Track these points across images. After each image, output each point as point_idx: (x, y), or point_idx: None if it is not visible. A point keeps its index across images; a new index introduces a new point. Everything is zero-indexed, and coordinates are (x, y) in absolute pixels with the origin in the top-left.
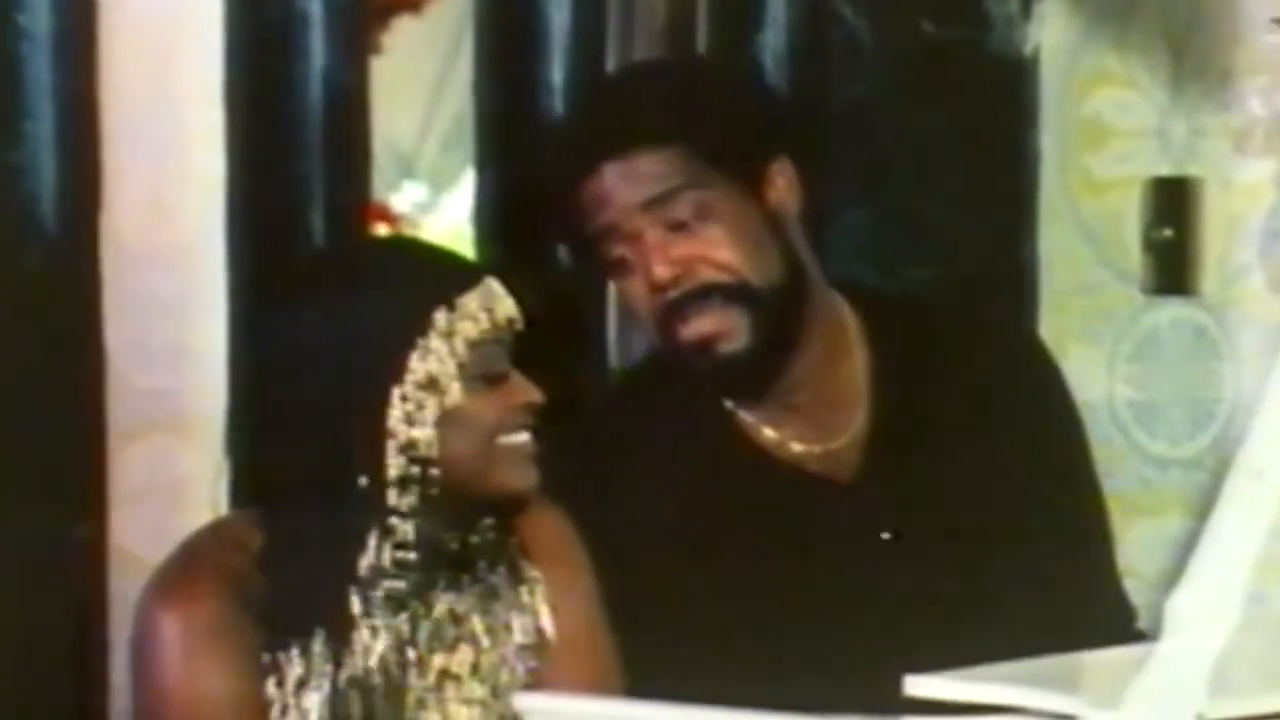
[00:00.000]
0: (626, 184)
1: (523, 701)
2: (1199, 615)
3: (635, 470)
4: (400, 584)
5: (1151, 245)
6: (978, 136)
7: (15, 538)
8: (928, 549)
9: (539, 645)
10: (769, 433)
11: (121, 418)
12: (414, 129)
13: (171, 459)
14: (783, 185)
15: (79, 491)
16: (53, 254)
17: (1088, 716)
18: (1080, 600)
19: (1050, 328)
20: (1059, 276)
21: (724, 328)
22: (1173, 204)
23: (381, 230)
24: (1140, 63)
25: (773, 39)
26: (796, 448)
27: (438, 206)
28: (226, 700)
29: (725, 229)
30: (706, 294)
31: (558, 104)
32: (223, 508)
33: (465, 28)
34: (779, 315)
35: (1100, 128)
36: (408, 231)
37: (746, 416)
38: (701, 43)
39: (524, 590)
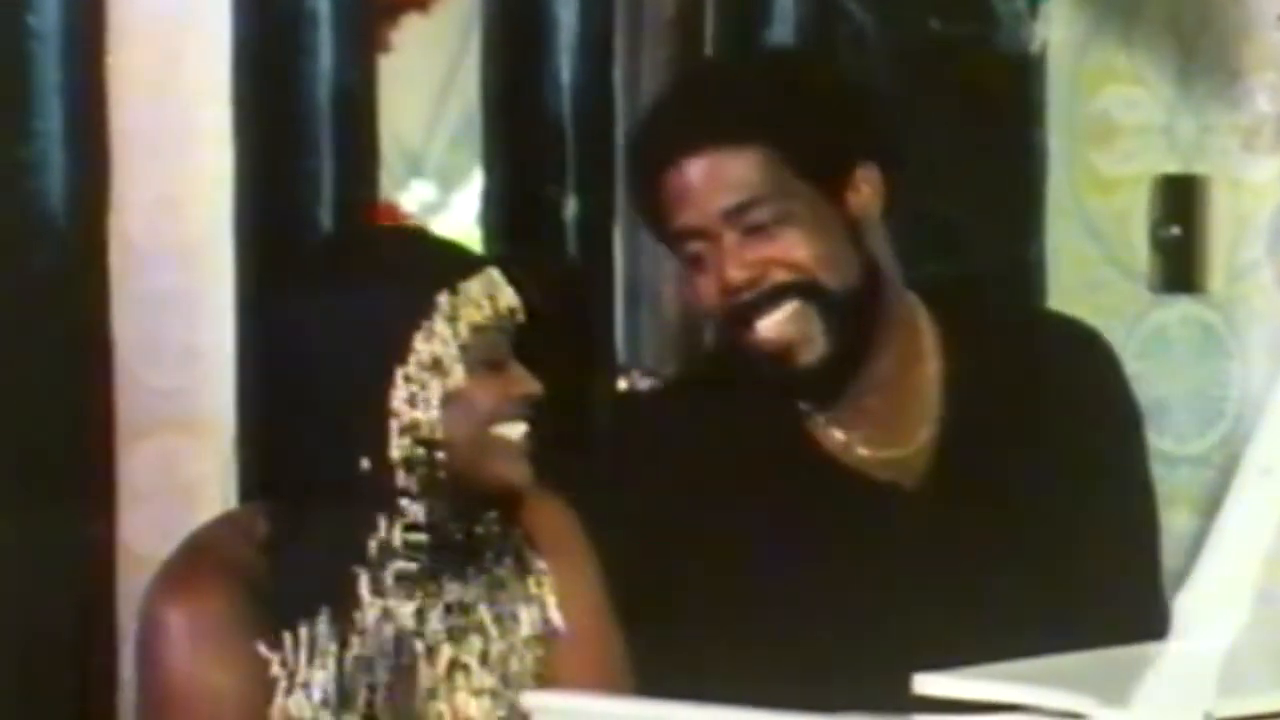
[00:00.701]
0: (710, 187)
1: (532, 700)
2: (1208, 613)
3: (697, 466)
4: (410, 565)
5: (1159, 243)
6: (985, 134)
7: (25, 536)
8: (989, 558)
9: (547, 635)
10: (837, 434)
11: (130, 416)
12: (422, 127)
13: (180, 457)
14: (867, 191)
15: (88, 490)
16: (61, 252)
17: (1096, 715)
18: (1134, 608)
19: None
20: (1066, 274)
21: (798, 335)
22: (1180, 201)
23: None
24: (1148, 60)
25: (780, 35)
26: (863, 452)
27: (446, 205)
28: (234, 692)
29: (803, 233)
30: (780, 295)
31: (565, 102)
32: (230, 506)
33: (473, 25)
34: (854, 319)
35: (1108, 125)
36: None
37: (815, 416)
38: (709, 39)
39: (531, 581)
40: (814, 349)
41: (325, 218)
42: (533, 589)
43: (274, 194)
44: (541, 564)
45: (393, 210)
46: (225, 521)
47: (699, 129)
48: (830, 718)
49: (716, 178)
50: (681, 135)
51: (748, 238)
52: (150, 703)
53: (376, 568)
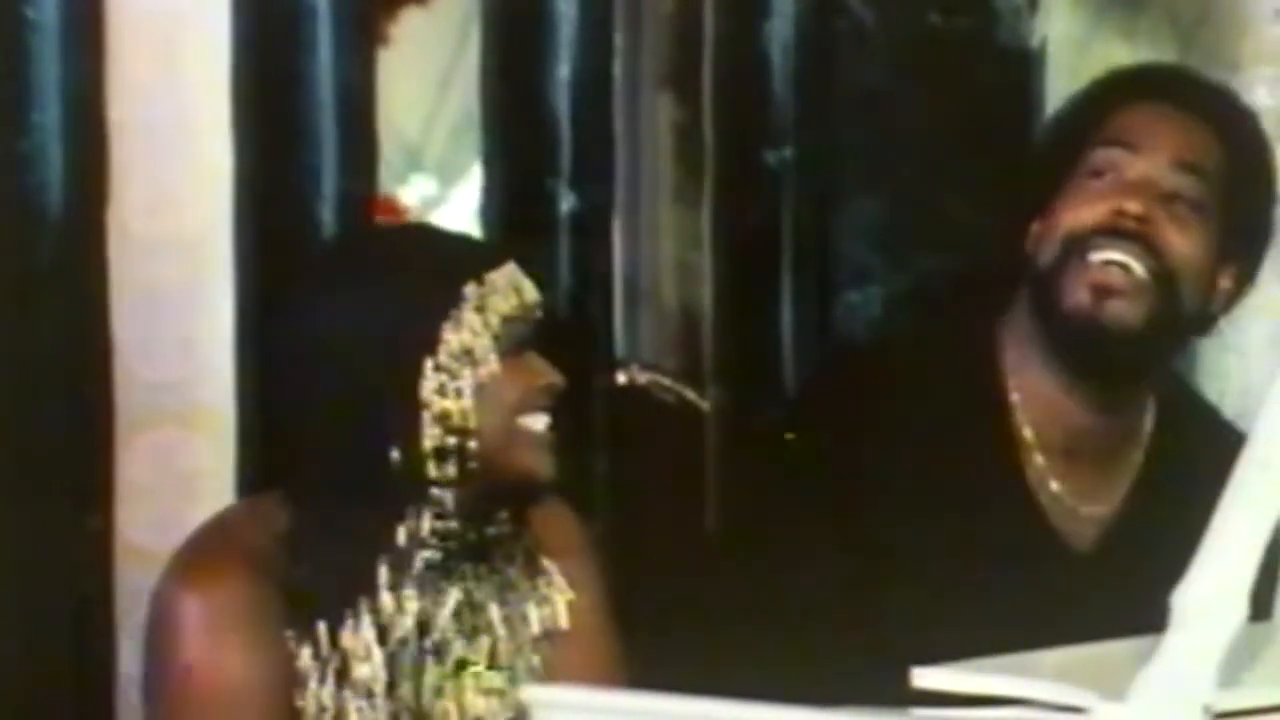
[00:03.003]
0: (1179, 137)
1: (530, 694)
2: (1207, 608)
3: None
4: (437, 555)
5: None
6: (984, 128)
7: (24, 529)
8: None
9: (554, 636)
10: (1052, 483)
11: (128, 409)
12: (421, 121)
13: (178, 450)
14: (1224, 285)
15: (86, 483)
16: (60, 245)
17: (1095, 709)
18: None
19: None
20: None
21: (1127, 283)
22: None
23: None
24: (1148, 54)
25: (779, 29)
26: (1070, 502)
27: (445, 199)
28: (252, 677)
29: (1203, 237)
30: (1140, 241)
31: (565, 96)
32: (229, 500)
33: (472, 19)
34: (1167, 331)
35: None
36: None
37: (1037, 455)
38: (708, 33)
39: (541, 582)
40: (1133, 307)
41: (324, 211)
42: (543, 589)
43: (273, 188)
44: (549, 565)
45: (392, 204)
46: (242, 510)
47: (1211, 95)
48: (830, 710)
49: (1191, 136)
50: (1194, 86)
51: (1158, 200)
52: (164, 692)
53: (405, 557)
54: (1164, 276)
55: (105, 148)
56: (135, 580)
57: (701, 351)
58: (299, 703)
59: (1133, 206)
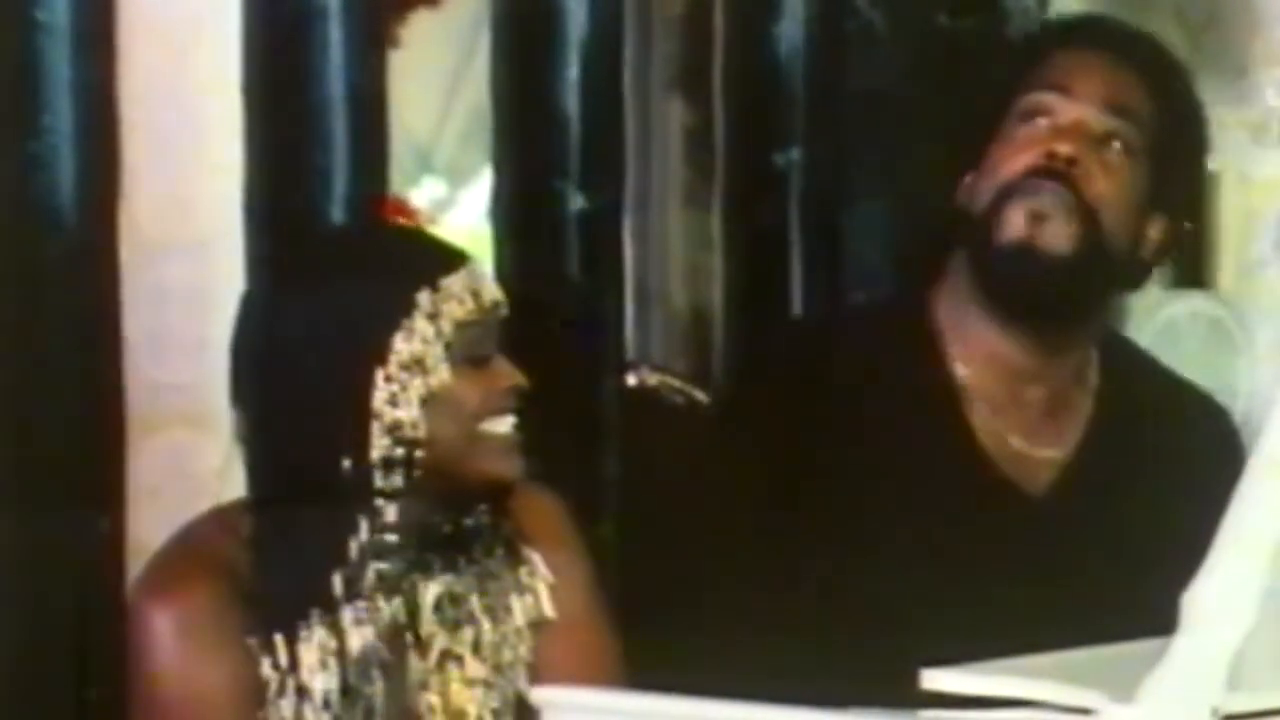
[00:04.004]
0: (1110, 83)
1: (540, 695)
2: (1216, 609)
3: (841, 406)
4: (387, 566)
5: None
6: None
7: (36, 530)
8: (1096, 584)
9: (539, 625)
10: (989, 416)
11: (140, 410)
12: (431, 122)
13: (190, 452)
14: (1153, 235)
15: (97, 484)
16: (71, 246)
17: (1105, 710)
18: None
19: None
20: None
21: (1054, 213)
22: None
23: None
24: None
25: (789, 30)
26: (1018, 445)
27: (455, 201)
28: (218, 687)
29: (1125, 179)
30: (1061, 179)
31: (575, 98)
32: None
33: (482, 21)
34: (1097, 267)
35: None
36: (426, 226)
37: (977, 402)
38: (719, 35)
39: (523, 571)
40: (1063, 236)
41: (335, 213)
42: (524, 579)
43: (284, 189)
44: (532, 554)
45: (402, 205)
46: (212, 518)
47: (1145, 47)
48: (839, 713)
49: (1124, 82)
50: (1119, 36)
51: (1087, 142)
52: (138, 699)
53: (357, 569)
54: (1089, 214)
55: (116, 149)
56: None
57: (712, 353)
58: (260, 713)
59: (1063, 148)
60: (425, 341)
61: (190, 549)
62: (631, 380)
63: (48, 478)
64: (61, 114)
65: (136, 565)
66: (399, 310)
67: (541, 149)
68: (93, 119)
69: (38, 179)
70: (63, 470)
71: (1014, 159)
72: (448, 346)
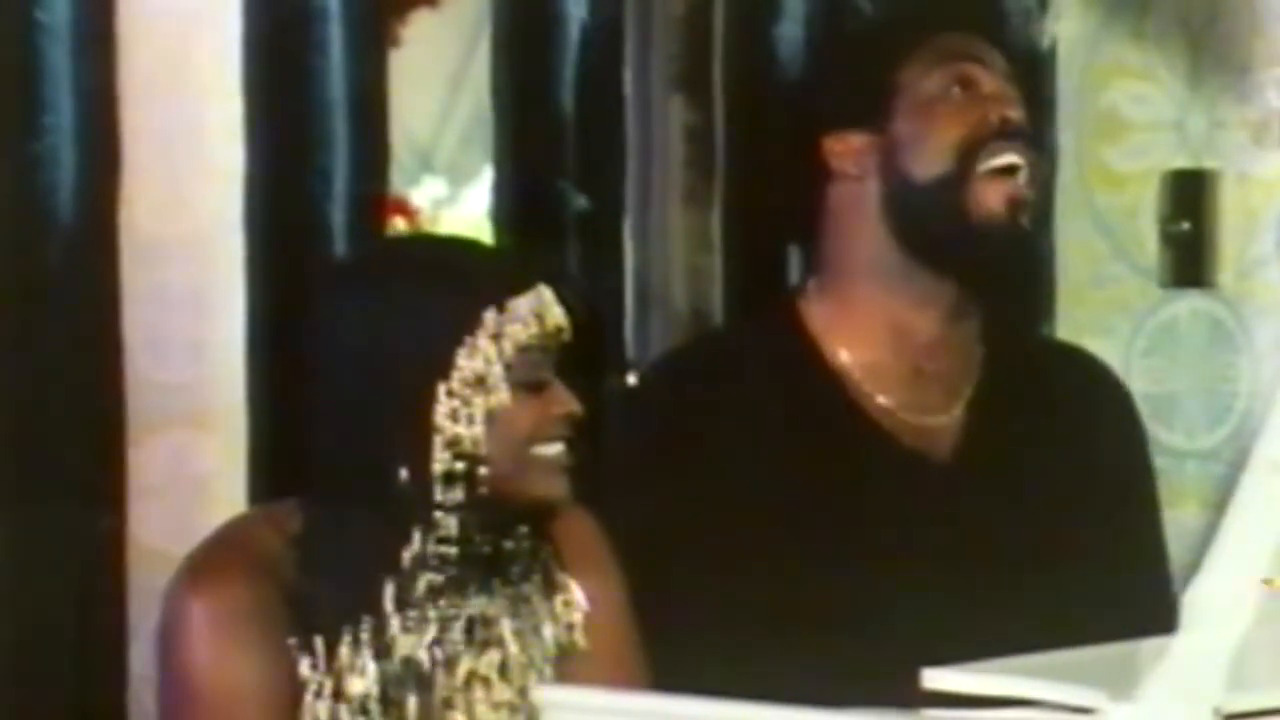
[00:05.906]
0: (989, 52)
1: (543, 695)
2: (1217, 608)
3: (729, 423)
4: (439, 577)
5: (1169, 238)
6: None
7: (36, 530)
8: (1007, 541)
9: (569, 652)
10: (880, 398)
11: (140, 411)
12: (432, 122)
13: (190, 452)
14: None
15: (98, 485)
16: (71, 247)
17: (1105, 709)
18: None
19: (1067, 321)
20: (1076, 269)
21: (1025, 185)
22: (1190, 196)
23: (399, 224)
24: (1158, 55)
25: (790, 32)
26: (904, 416)
27: (456, 200)
28: (250, 682)
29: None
30: (1020, 138)
31: (575, 98)
32: (240, 501)
33: (483, 21)
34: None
35: (1117, 120)
36: (426, 226)
37: (855, 376)
38: (718, 36)
39: (558, 600)
40: (1028, 206)
41: (336, 213)
42: (559, 609)
43: (285, 189)
44: (569, 580)
45: (403, 205)
46: (259, 514)
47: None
48: (839, 712)
49: (997, 56)
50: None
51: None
52: (172, 695)
53: (408, 579)
54: (1037, 171)
55: (117, 150)
56: (146, 581)
57: None
58: (295, 714)
59: (1014, 114)
60: (488, 361)
61: (235, 543)
62: (632, 381)
63: (49, 477)
64: (62, 114)
65: (137, 565)
66: (464, 326)
67: (541, 149)
68: (93, 119)
69: (38, 179)
70: (64, 470)
71: (964, 122)
72: (507, 368)
